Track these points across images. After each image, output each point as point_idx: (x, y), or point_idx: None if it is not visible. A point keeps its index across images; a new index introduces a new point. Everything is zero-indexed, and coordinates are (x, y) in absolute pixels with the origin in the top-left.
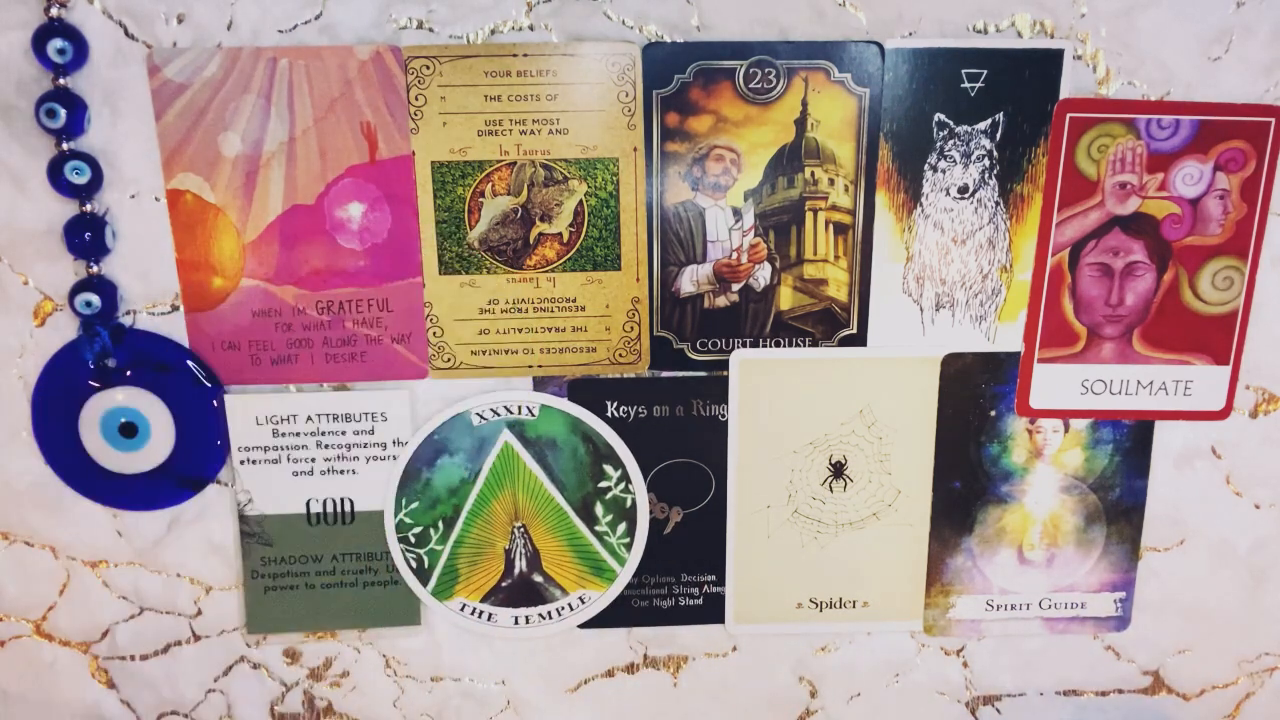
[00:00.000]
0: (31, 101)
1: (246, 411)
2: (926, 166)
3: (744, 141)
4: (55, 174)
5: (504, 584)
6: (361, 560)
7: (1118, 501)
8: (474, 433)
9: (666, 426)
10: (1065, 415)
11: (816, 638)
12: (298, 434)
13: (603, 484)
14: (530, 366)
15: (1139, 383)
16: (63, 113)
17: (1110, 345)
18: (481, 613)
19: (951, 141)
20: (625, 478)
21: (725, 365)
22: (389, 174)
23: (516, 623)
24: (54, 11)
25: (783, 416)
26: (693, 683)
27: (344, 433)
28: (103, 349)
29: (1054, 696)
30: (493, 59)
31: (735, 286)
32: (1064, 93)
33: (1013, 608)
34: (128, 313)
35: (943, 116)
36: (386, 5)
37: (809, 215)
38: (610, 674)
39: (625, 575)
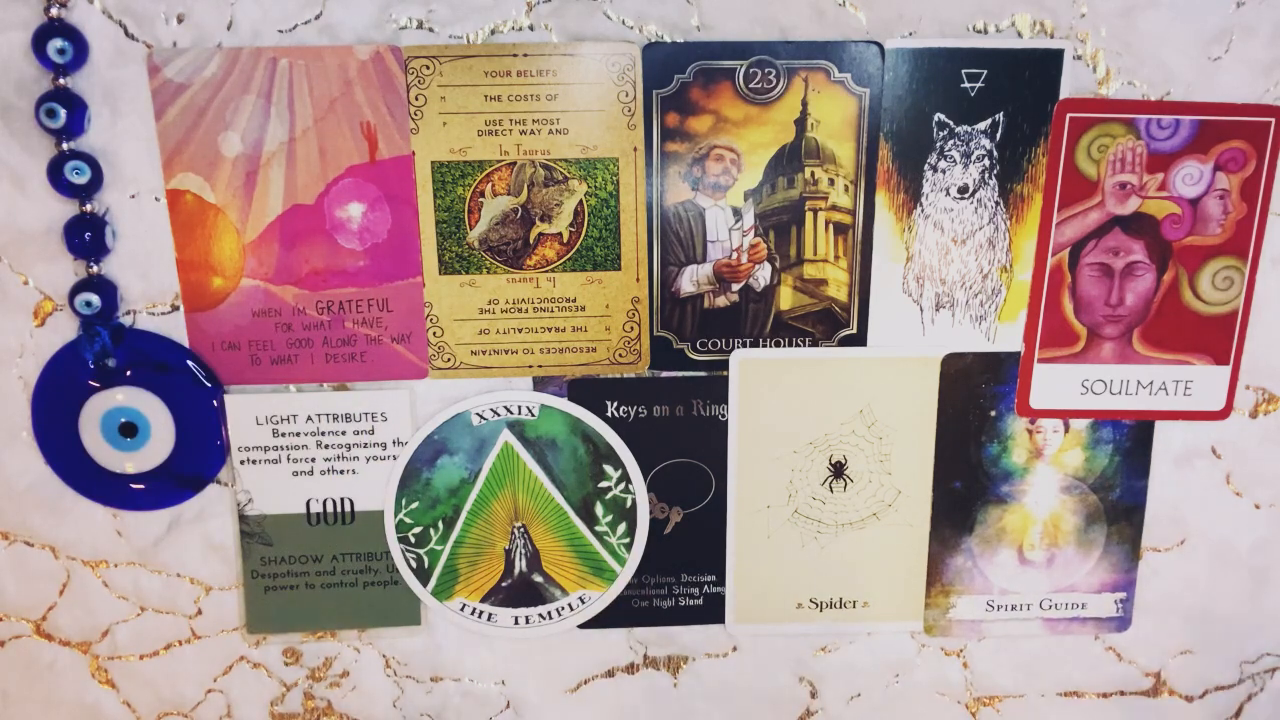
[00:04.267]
0: (31, 101)
1: (246, 411)
2: (926, 166)
3: (744, 141)
4: (55, 174)
5: (504, 584)
6: (361, 560)
7: (1118, 501)
8: (474, 433)
9: (666, 426)
10: (1065, 415)
11: (816, 638)
12: (298, 434)
13: (603, 484)
14: (530, 366)
15: (1139, 383)
16: (63, 113)
17: (1110, 345)
18: (481, 613)
19: (951, 141)
20: (625, 478)
21: (725, 365)
22: (389, 174)
23: (516, 623)
24: (54, 11)
25: (783, 416)
26: (693, 683)
27: (344, 433)
28: (103, 349)
29: (1055, 698)
30: (493, 59)
31: (735, 286)
32: (1064, 93)
33: (1013, 608)
34: (128, 313)
35: (943, 116)
36: (386, 5)
37: (809, 215)
38: (610, 674)
39: (625, 575)
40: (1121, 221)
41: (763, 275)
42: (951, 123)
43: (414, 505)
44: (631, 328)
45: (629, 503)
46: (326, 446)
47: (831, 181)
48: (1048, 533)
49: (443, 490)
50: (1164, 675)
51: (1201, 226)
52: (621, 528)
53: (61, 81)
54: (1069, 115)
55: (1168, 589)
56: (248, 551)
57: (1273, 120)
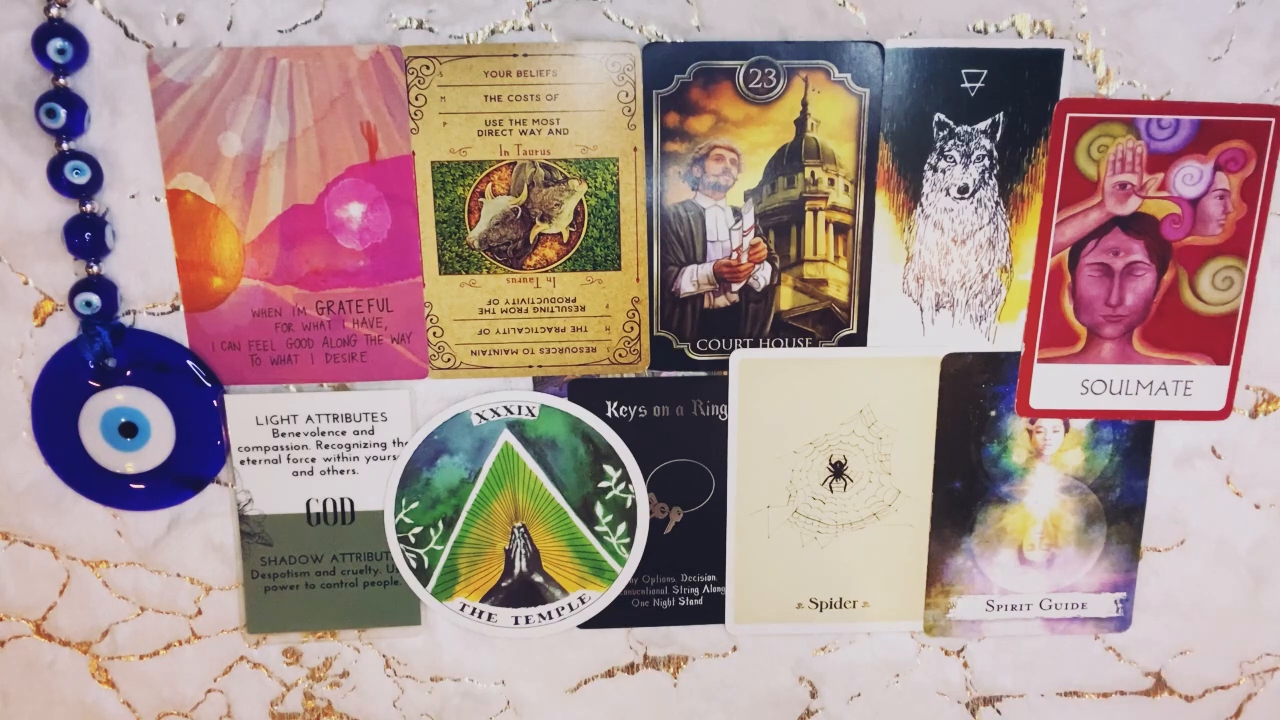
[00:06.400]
0: (31, 101)
1: (246, 411)
2: (926, 166)
3: (744, 141)
4: (55, 174)
5: (504, 584)
6: (361, 560)
7: (1118, 501)
8: (474, 433)
9: (666, 426)
10: (1065, 415)
11: (816, 638)
12: (298, 434)
13: (603, 484)
14: (530, 366)
15: (1139, 383)
16: (63, 113)
17: (1110, 345)
18: (481, 613)
19: (951, 141)
20: (625, 478)
21: (725, 365)
22: (389, 174)
23: (516, 623)
24: (54, 11)
25: (783, 416)
26: (693, 683)
27: (344, 433)
28: (103, 349)
29: (1055, 698)
30: (493, 59)
31: (735, 286)
32: (1064, 93)
33: (1013, 608)
34: (128, 313)
35: (943, 116)
36: (386, 5)
37: (809, 215)
38: (610, 674)
39: (625, 575)
40: (1121, 221)
41: (763, 275)
42: (951, 123)
43: (414, 505)
44: (631, 328)
45: (629, 503)
46: (326, 446)
47: (831, 181)
48: (1048, 533)
49: (443, 490)
50: (1164, 675)
51: (1201, 226)
52: (621, 528)
53: (61, 81)
54: (1069, 115)
55: (1168, 589)
56: (248, 551)
57: (1273, 120)
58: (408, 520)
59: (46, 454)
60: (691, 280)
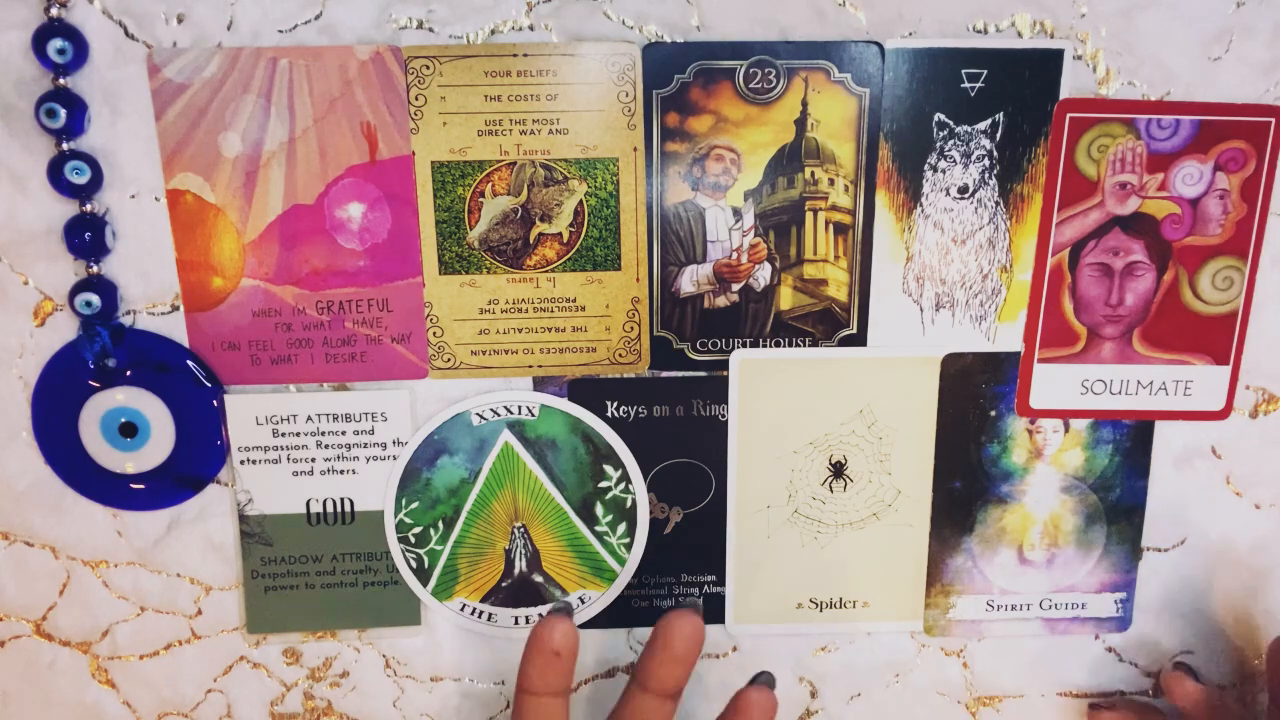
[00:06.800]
0: (31, 101)
1: (246, 411)
2: (926, 166)
3: (744, 141)
4: (55, 174)
5: (504, 584)
6: (361, 560)
7: (1118, 501)
8: (474, 433)
9: (666, 426)
10: (1065, 415)
11: (816, 638)
12: (298, 434)
13: (603, 484)
14: (530, 366)
15: (1139, 383)
16: (63, 113)
17: (1110, 345)
18: (481, 613)
19: (951, 141)
20: (625, 478)
21: (725, 365)
22: (389, 174)
23: (516, 623)
24: (54, 11)
25: (783, 416)
26: (693, 683)
27: (344, 433)
28: (103, 349)
29: (1055, 698)
30: (493, 59)
31: (735, 286)
32: (1064, 93)
33: (1013, 608)
34: (128, 313)
35: (943, 116)
36: (386, 5)
37: (809, 215)
38: (610, 674)
39: (625, 575)
40: (1121, 221)
41: (763, 275)
42: (951, 123)
43: (414, 505)
44: (631, 328)
45: (629, 503)
46: (326, 446)
47: (831, 181)
48: (1048, 533)
49: (443, 490)
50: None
51: (1201, 226)
52: (621, 528)
53: (61, 81)
54: (1069, 115)
55: (1168, 589)
56: (248, 551)
57: (1273, 120)
58: (408, 520)
59: (46, 454)
60: (691, 280)
